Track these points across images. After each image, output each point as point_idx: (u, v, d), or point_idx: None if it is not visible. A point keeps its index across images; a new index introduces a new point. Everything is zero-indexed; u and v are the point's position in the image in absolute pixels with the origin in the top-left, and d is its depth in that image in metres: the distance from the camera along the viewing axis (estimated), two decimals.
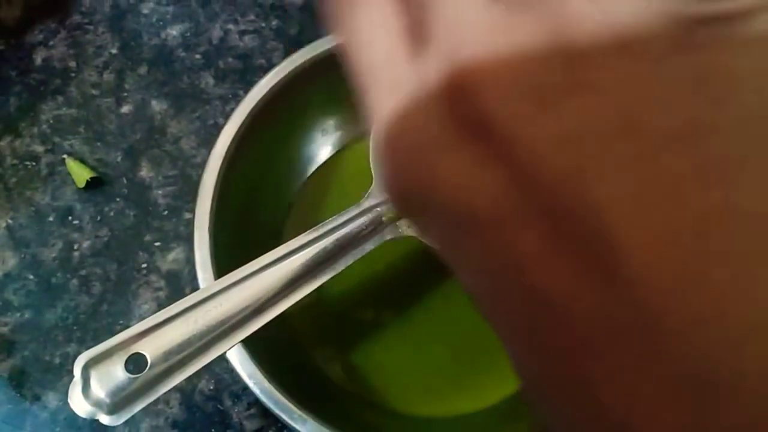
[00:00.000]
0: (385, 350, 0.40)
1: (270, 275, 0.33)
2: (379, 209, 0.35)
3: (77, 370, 0.30)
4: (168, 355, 0.31)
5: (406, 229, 0.36)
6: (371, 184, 0.43)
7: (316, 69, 0.40)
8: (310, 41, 0.41)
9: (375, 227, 0.35)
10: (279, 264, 0.34)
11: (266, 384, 0.34)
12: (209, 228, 0.36)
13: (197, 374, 0.41)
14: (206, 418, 0.41)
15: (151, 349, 0.30)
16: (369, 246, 0.35)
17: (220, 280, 0.33)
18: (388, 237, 0.35)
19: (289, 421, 0.33)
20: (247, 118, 0.39)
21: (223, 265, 0.36)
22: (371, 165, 0.37)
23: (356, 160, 0.44)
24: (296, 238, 0.34)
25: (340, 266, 0.35)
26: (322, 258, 0.34)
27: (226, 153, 0.38)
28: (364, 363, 0.40)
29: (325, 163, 0.44)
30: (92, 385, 0.30)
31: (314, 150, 0.44)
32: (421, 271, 0.42)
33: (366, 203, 0.36)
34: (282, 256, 0.34)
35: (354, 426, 0.37)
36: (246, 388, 0.41)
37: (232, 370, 0.41)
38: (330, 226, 0.35)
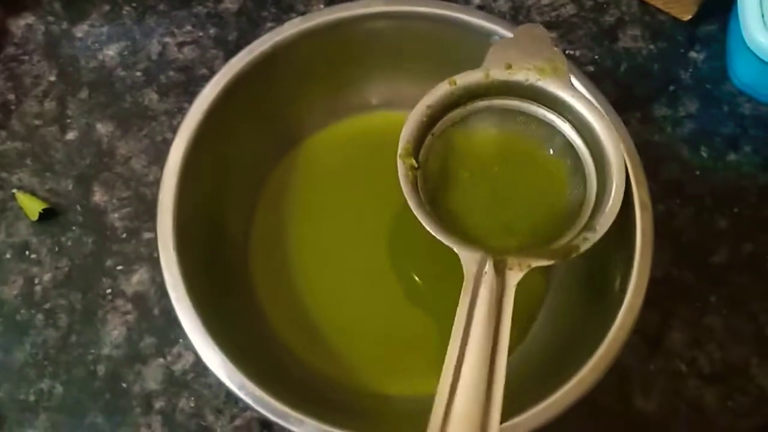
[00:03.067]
0: (374, 338, 0.41)
1: None
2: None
3: None
4: None
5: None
6: (331, 180, 0.43)
7: (257, 70, 0.40)
8: (249, 45, 0.40)
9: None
10: None
11: (258, 392, 0.33)
12: (174, 246, 0.36)
13: (176, 393, 0.41)
14: None
15: None
16: None
17: None
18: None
19: (287, 425, 0.33)
20: (195, 130, 0.38)
21: (193, 281, 0.35)
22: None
23: (313, 155, 0.44)
24: None
25: None
26: None
27: (180, 168, 0.37)
28: (351, 353, 0.40)
29: (281, 162, 0.44)
30: None
31: (269, 151, 0.44)
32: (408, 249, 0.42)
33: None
34: None
35: (349, 417, 0.37)
36: (227, 401, 0.41)
37: (210, 385, 0.41)
38: None
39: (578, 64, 0.49)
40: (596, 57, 0.50)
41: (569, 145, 0.38)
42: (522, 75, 0.38)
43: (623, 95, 0.49)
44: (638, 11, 0.51)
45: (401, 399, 0.39)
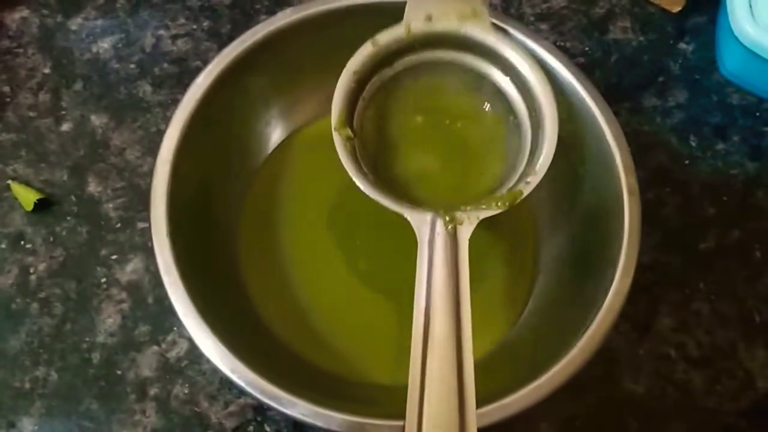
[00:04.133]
0: (355, 322, 0.41)
1: None
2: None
3: None
4: None
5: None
6: (322, 169, 0.44)
7: (249, 61, 0.40)
8: (242, 35, 0.41)
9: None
10: None
11: (250, 375, 0.33)
12: (167, 232, 0.36)
13: (171, 380, 0.41)
14: (185, 423, 0.41)
15: None
16: None
17: None
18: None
19: (279, 407, 0.33)
20: (188, 118, 0.38)
21: (186, 267, 0.35)
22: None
23: (304, 146, 0.44)
24: None
25: None
26: None
27: (173, 156, 0.38)
28: (340, 342, 0.41)
29: (273, 152, 0.44)
30: None
31: (260, 141, 0.44)
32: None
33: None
34: None
35: (340, 401, 0.37)
36: (221, 388, 0.41)
37: (205, 372, 0.41)
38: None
39: (569, 56, 0.50)
40: (586, 48, 0.50)
41: (499, 91, 0.38)
42: (443, 24, 0.37)
43: (613, 86, 0.49)
44: (628, 3, 0.52)
45: (392, 387, 0.40)
